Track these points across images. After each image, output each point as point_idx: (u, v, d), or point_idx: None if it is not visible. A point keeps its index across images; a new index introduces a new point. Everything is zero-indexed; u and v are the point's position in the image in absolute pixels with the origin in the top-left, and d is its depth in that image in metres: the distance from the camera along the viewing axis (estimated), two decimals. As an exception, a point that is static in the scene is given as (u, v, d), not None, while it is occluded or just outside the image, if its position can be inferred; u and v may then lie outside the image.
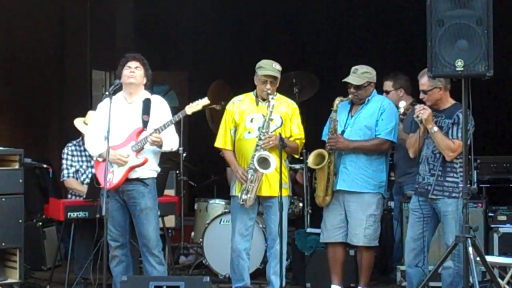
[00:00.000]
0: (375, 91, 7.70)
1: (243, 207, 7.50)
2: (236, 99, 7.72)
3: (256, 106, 7.60)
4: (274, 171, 7.32)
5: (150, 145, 7.18)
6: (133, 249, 7.54)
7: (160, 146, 7.23)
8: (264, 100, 7.57)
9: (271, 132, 7.46)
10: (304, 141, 7.68)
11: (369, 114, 7.61)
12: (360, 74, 7.57)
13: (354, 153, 7.57)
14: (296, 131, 7.60)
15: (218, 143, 7.68)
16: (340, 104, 7.60)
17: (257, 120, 7.54)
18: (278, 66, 7.56)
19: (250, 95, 7.68)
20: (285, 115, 7.56)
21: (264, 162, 7.34)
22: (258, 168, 7.35)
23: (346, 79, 7.58)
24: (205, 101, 7.34)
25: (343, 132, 7.60)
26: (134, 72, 7.25)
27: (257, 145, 7.43)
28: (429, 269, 7.02)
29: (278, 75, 7.54)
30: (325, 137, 7.72)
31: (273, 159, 7.29)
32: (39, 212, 9.09)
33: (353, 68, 7.64)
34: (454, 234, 6.62)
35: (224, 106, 7.95)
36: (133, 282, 6.81)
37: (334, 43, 11.52)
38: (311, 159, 7.67)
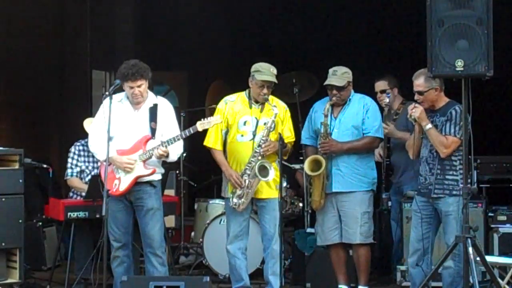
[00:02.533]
0: (352, 90, 7.71)
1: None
2: (229, 99, 7.64)
3: (249, 109, 7.56)
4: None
5: (156, 158, 7.15)
6: (133, 249, 7.54)
7: (167, 158, 7.20)
8: (257, 102, 7.55)
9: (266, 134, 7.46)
10: (293, 143, 7.71)
11: (354, 114, 7.63)
12: (340, 75, 7.58)
13: (346, 154, 7.59)
14: (287, 134, 7.60)
15: (208, 142, 7.58)
16: (320, 108, 7.63)
17: (250, 123, 7.52)
18: (275, 71, 7.52)
19: (243, 96, 7.62)
20: (277, 118, 7.53)
21: (264, 170, 7.36)
22: (259, 176, 7.36)
23: (329, 82, 7.58)
24: (217, 119, 7.30)
25: (330, 134, 7.61)
26: (138, 92, 7.12)
27: (255, 152, 7.42)
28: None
29: (276, 80, 7.52)
30: (304, 141, 7.80)
31: (272, 168, 7.34)
32: (39, 212, 9.09)
33: (331, 70, 7.65)
34: (455, 234, 6.62)
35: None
36: (133, 282, 6.81)
37: (333, 44, 11.52)
38: (306, 166, 7.66)
